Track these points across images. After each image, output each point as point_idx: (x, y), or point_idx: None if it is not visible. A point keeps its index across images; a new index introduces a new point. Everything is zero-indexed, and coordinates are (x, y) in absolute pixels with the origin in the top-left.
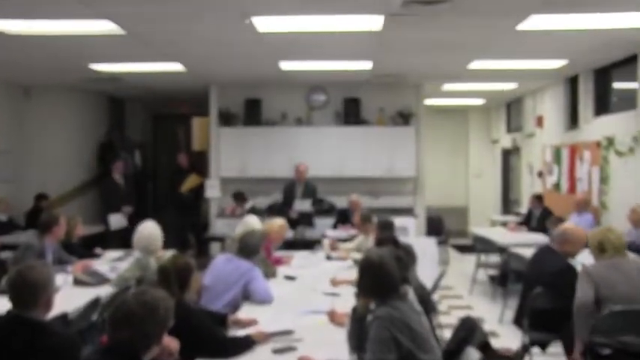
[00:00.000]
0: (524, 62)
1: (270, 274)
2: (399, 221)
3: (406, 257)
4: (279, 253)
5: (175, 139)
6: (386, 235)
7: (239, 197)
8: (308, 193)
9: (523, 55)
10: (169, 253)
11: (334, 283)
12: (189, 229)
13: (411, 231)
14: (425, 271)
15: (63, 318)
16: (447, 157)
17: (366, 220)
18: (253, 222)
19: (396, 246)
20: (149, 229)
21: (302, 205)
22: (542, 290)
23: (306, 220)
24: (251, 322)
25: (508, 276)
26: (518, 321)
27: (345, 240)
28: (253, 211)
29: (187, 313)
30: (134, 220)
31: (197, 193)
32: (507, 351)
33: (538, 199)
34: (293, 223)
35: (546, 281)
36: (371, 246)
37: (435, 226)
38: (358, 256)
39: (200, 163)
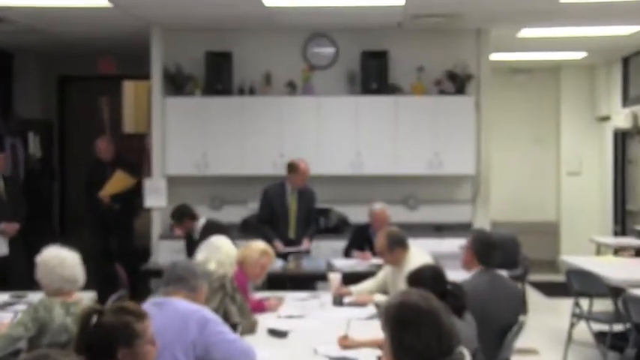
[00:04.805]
0: None
1: (247, 327)
2: (448, 245)
3: (453, 301)
4: (260, 295)
5: (95, 116)
6: (427, 266)
7: (182, 215)
8: (303, 204)
9: None
10: (87, 297)
11: (345, 344)
12: (116, 257)
13: None
14: None
15: None
16: (526, 144)
17: (397, 244)
18: (223, 244)
19: (437, 283)
20: (70, 259)
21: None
22: None
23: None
24: None
25: (627, 334)
26: None
27: (364, 276)
28: (211, 227)
29: None
30: (24, 245)
31: (128, 200)
32: None
33: None
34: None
35: None
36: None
37: (507, 253)
38: (384, 298)
39: (134, 154)
